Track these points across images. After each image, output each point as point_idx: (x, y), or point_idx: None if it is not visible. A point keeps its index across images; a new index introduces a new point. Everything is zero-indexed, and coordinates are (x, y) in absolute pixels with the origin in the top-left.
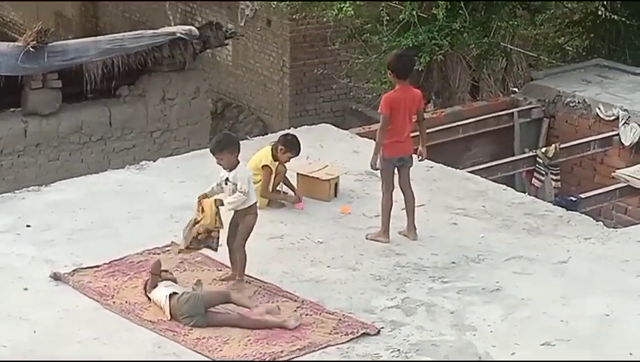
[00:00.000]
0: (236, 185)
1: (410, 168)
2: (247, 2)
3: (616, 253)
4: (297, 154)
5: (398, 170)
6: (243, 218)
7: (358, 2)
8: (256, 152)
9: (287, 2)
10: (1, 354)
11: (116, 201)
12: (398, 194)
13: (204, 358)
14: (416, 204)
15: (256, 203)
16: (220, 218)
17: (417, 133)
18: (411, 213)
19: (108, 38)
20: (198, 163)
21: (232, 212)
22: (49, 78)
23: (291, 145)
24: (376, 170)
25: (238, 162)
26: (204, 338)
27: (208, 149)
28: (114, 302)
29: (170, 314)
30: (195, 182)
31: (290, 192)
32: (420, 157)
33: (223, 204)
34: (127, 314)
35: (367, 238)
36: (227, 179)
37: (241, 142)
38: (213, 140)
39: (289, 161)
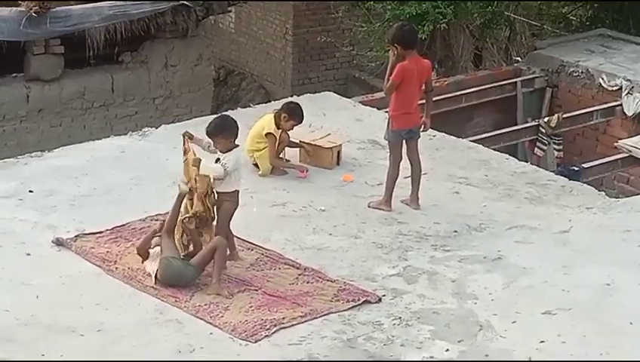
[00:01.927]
0: (228, 171)
1: (419, 139)
2: None
3: (617, 222)
4: (300, 122)
5: (406, 142)
6: (222, 203)
7: None
8: (259, 120)
9: None
10: (4, 319)
11: (118, 168)
12: (403, 163)
13: (205, 324)
14: (421, 175)
15: (238, 191)
16: (197, 180)
17: (423, 102)
18: (416, 183)
19: (110, 4)
20: (200, 130)
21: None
22: (51, 43)
23: (294, 113)
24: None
25: (235, 146)
26: (205, 304)
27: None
28: (116, 268)
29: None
30: (197, 149)
31: (294, 160)
32: (424, 128)
33: (198, 166)
34: (129, 280)
35: (369, 206)
36: (218, 159)
37: (243, 109)
38: (211, 122)
39: (292, 128)
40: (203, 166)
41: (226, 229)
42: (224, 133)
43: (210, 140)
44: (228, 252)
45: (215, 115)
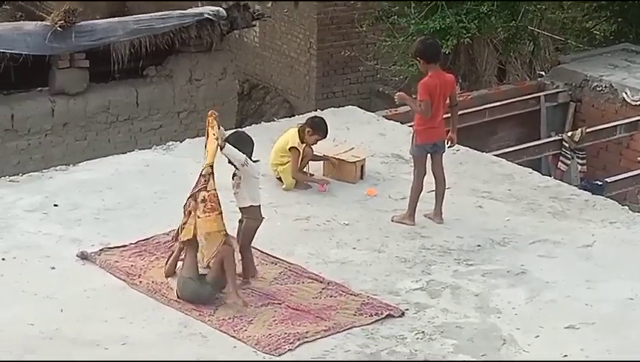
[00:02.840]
0: (241, 178)
1: (444, 153)
2: None
3: None
4: (324, 137)
5: (431, 156)
6: (244, 220)
7: None
8: (283, 134)
9: None
10: (29, 332)
11: (143, 181)
12: (427, 177)
13: (229, 338)
14: (445, 190)
15: (258, 206)
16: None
17: (448, 116)
18: (440, 198)
19: (135, 18)
20: None
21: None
22: (76, 57)
23: (319, 127)
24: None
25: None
26: (229, 318)
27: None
28: (140, 282)
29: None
30: (221, 164)
31: (318, 174)
32: (450, 143)
33: (223, 147)
34: (153, 294)
35: (392, 220)
36: (234, 174)
37: (267, 123)
38: (226, 138)
39: (316, 143)
40: (227, 147)
41: (246, 247)
42: (237, 147)
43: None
44: (240, 266)
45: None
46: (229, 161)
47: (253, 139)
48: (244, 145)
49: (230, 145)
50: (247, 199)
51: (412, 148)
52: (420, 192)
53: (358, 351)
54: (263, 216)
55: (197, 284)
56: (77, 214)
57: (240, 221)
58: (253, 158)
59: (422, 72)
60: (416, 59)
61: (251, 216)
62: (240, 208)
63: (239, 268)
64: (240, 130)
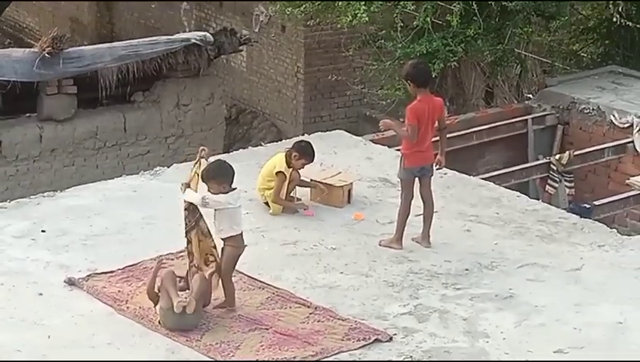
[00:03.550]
0: (206, 203)
1: (432, 177)
2: (262, 8)
3: (630, 260)
4: (311, 161)
5: (419, 179)
6: (224, 248)
7: (372, 8)
8: (271, 158)
9: (302, 9)
10: (16, 359)
11: (131, 207)
12: (415, 201)
13: None
14: (433, 214)
15: (240, 234)
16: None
17: (437, 139)
18: (428, 222)
19: (123, 44)
20: None
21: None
22: (64, 83)
23: (305, 152)
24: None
25: (227, 192)
26: (216, 343)
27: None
28: (128, 308)
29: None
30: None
31: (305, 199)
32: (438, 166)
33: (183, 191)
34: (140, 320)
35: (380, 245)
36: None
37: (255, 148)
38: (206, 166)
39: (303, 167)
40: (186, 192)
41: (228, 275)
42: (217, 178)
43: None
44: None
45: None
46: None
47: (233, 167)
48: (224, 174)
49: (188, 191)
50: (226, 229)
51: (400, 172)
52: (408, 216)
53: None
54: (245, 243)
55: (176, 318)
56: (65, 240)
57: (222, 249)
58: (232, 186)
59: (411, 94)
60: (407, 82)
61: (232, 244)
62: (223, 239)
63: (219, 295)
64: (220, 158)
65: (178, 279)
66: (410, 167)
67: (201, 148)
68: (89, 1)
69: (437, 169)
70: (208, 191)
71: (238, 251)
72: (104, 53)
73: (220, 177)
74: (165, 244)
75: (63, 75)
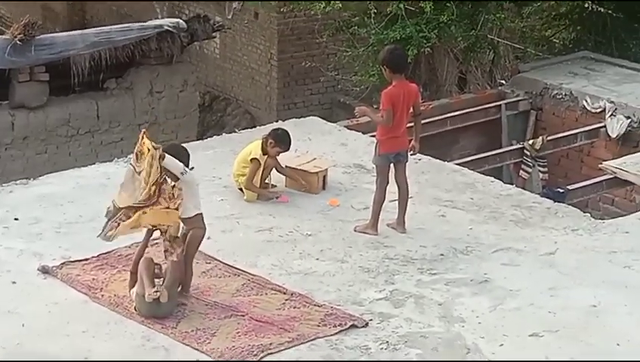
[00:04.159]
0: (181, 189)
1: (407, 163)
2: None
3: (603, 244)
4: (287, 150)
5: (394, 165)
6: (190, 231)
7: None
8: (248, 145)
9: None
10: None
11: (104, 194)
12: (390, 187)
13: (192, 351)
14: (408, 199)
15: (201, 216)
16: (153, 173)
17: (411, 125)
18: (403, 207)
19: (95, 31)
20: None
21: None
22: (36, 71)
23: (281, 140)
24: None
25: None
26: (192, 330)
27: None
28: (102, 295)
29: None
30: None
31: (280, 185)
32: (412, 152)
33: (163, 158)
34: (115, 307)
35: (355, 231)
36: (173, 186)
37: (228, 135)
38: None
39: (278, 155)
40: (167, 158)
41: (191, 259)
42: (176, 158)
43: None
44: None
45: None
46: (167, 175)
47: (187, 150)
48: (181, 156)
49: (169, 157)
50: (192, 208)
51: (375, 158)
52: (383, 202)
53: None
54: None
55: (150, 306)
56: (38, 228)
57: (184, 235)
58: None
59: (386, 80)
60: (383, 67)
61: (197, 226)
62: (184, 219)
63: (196, 282)
64: (174, 143)
65: (156, 266)
66: (386, 153)
67: (144, 130)
68: None
69: (411, 155)
70: (166, 175)
71: (203, 232)
72: (76, 40)
73: (178, 159)
74: (140, 231)
75: (34, 62)
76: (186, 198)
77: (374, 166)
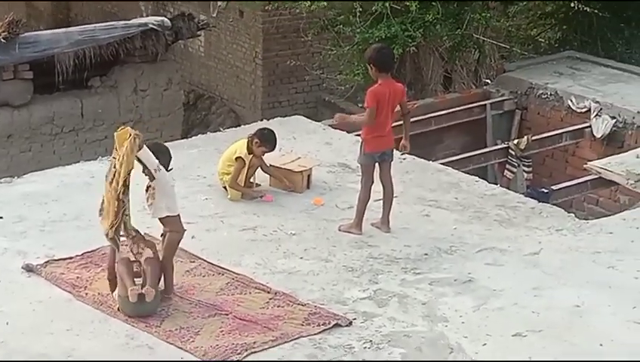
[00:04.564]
0: (155, 188)
1: (392, 162)
2: None
3: (587, 244)
4: (272, 149)
5: (379, 164)
6: (166, 233)
7: None
8: (233, 143)
9: None
10: None
11: (88, 193)
12: (374, 186)
13: (176, 349)
14: (393, 199)
15: (178, 216)
16: (127, 161)
17: (398, 124)
18: (387, 206)
19: (80, 29)
20: None
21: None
22: (20, 69)
23: (267, 139)
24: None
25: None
26: (176, 329)
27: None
28: (87, 294)
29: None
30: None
31: (264, 184)
32: (404, 151)
33: (141, 147)
34: (99, 306)
35: (339, 230)
36: (148, 186)
37: (213, 134)
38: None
39: (263, 154)
40: (144, 150)
41: (169, 261)
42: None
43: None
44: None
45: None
46: (143, 170)
47: (169, 149)
48: (162, 154)
49: (146, 149)
50: (164, 209)
51: (360, 157)
52: (368, 201)
53: (306, 361)
54: (184, 227)
55: (134, 306)
56: (22, 226)
57: (162, 235)
58: (169, 168)
59: (372, 78)
60: (369, 65)
61: (173, 229)
62: (159, 220)
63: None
64: (156, 142)
65: (135, 264)
66: (371, 152)
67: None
68: None
69: (402, 154)
70: (143, 172)
71: (179, 236)
72: (61, 38)
73: (158, 157)
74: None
75: (18, 60)
76: (158, 198)
77: (359, 165)
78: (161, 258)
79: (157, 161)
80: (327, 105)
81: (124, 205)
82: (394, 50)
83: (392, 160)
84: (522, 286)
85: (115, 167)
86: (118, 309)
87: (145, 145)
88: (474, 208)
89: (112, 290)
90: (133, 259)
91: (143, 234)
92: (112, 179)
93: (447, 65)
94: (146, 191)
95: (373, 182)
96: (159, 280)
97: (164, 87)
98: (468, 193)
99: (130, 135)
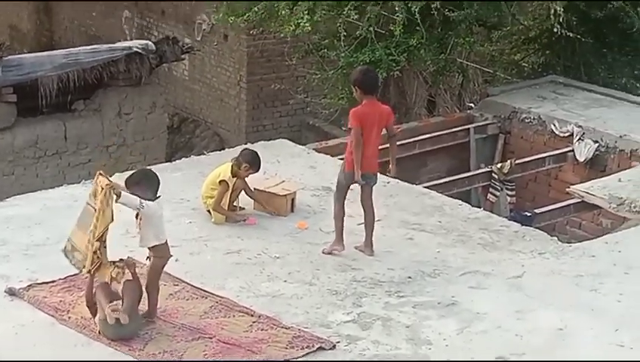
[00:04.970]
0: (142, 207)
1: (373, 186)
2: (204, 17)
3: (570, 267)
4: (257, 170)
5: (361, 187)
6: (150, 258)
7: (315, 18)
8: (217, 167)
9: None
10: None
11: (72, 216)
12: (357, 210)
13: None
14: (375, 222)
15: (165, 243)
16: (102, 204)
17: (386, 146)
18: (370, 230)
19: (63, 52)
20: None
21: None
22: (4, 92)
23: (251, 161)
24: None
25: (153, 200)
26: (159, 352)
27: (164, 163)
28: (69, 317)
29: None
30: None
31: (248, 207)
32: (390, 172)
33: (118, 195)
34: (82, 330)
35: (323, 253)
36: (137, 214)
37: (197, 157)
38: (132, 172)
39: (247, 176)
40: (122, 196)
41: (153, 286)
42: (141, 184)
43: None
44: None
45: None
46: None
47: (158, 177)
48: (150, 182)
49: (125, 193)
50: (152, 239)
51: (340, 174)
52: (343, 216)
53: None
54: (170, 253)
55: (113, 328)
56: (5, 250)
57: (147, 258)
58: (157, 195)
59: (357, 100)
60: (354, 87)
61: (158, 255)
62: (149, 248)
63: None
64: (146, 168)
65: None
66: (351, 171)
67: (98, 171)
68: (28, 0)
69: (389, 175)
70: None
71: (164, 261)
72: (44, 61)
73: (144, 183)
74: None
75: (2, 84)
76: (145, 229)
77: (336, 181)
78: (145, 281)
79: (137, 201)
80: (312, 128)
81: (99, 259)
82: (378, 74)
83: (374, 183)
84: (505, 310)
85: (93, 219)
86: (99, 333)
87: (121, 190)
88: (457, 231)
89: (94, 316)
90: (110, 280)
91: (120, 259)
92: (90, 231)
93: (431, 90)
94: (136, 217)
95: (345, 197)
96: (139, 302)
97: (148, 110)
98: (451, 216)
99: (103, 189)
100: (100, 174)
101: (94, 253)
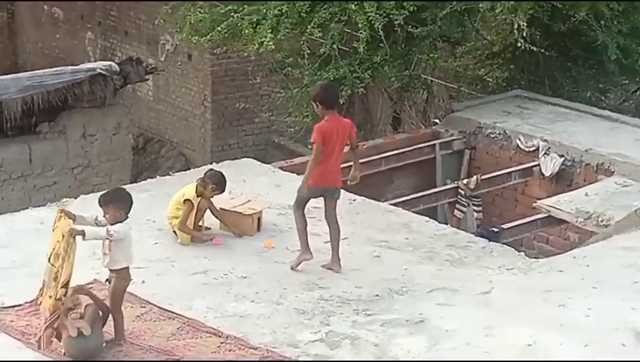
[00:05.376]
0: (112, 236)
1: (337, 200)
2: (168, 37)
3: (538, 283)
4: (222, 191)
5: (324, 202)
6: (112, 280)
7: (279, 36)
8: (183, 187)
9: (208, 38)
10: None
11: (37, 239)
12: (324, 227)
13: None
14: (340, 237)
15: (127, 268)
16: (65, 252)
17: (350, 164)
18: (336, 246)
19: (28, 74)
20: None
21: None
22: None
23: (215, 181)
24: (302, 194)
25: (124, 219)
26: None
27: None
28: (37, 341)
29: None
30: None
31: (214, 227)
32: (353, 182)
33: (83, 235)
34: (50, 353)
35: (292, 269)
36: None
37: (162, 177)
38: (106, 191)
39: (212, 196)
40: (88, 231)
41: (117, 308)
42: (114, 203)
43: (95, 215)
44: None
45: (133, 183)
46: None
47: (131, 195)
48: (123, 201)
49: (89, 229)
50: (122, 261)
51: (300, 187)
52: (306, 226)
53: None
54: (131, 276)
55: (79, 340)
56: None
57: (107, 281)
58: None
59: (319, 115)
60: (315, 103)
61: (121, 276)
62: (111, 270)
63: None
64: (119, 187)
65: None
66: (314, 185)
67: (60, 208)
68: None
69: (351, 183)
70: (103, 216)
71: (126, 283)
72: (8, 84)
73: (118, 202)
74: (73, 276)
75: None
76: (115, 252)
77: (297, 194)
78: (108, 304)
79: (104, 231)
80: (277, 147)
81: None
82: (343, 92)
83: (337, 198)
84: (474, 326)
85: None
86: (64, 354)
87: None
88: (425, 248)
89: (59, 340)
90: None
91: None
92: (55, 273)
93: (396, 106)
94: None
95: (304, 208)
96: (103, 324)
97: (112, 131)
98: (418, 233)
99: (64, 236)
100: (62, 212)
101: (58, 299)
